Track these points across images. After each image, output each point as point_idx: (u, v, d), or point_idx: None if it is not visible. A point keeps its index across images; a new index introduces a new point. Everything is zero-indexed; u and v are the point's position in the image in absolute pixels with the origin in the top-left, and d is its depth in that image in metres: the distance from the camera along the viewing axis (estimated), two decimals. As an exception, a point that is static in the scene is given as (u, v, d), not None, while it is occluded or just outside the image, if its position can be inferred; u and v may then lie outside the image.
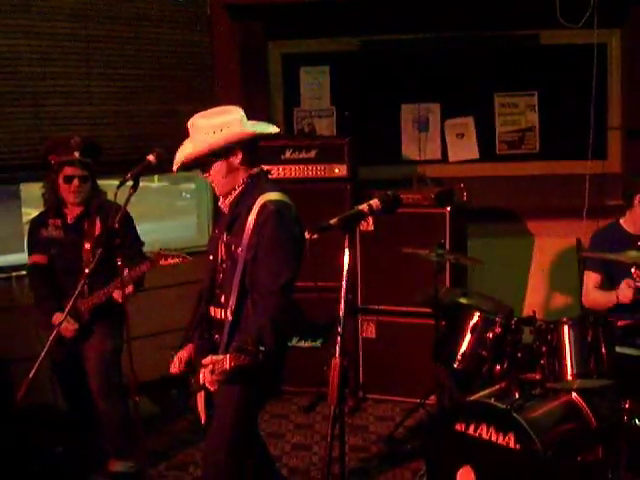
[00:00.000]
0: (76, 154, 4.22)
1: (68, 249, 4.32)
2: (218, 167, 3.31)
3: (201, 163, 3.32)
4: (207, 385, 3.21)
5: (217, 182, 3.35)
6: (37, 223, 4.47)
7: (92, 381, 4.28)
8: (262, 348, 2.97)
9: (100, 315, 4.30)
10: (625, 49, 6.20)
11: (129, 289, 4.13)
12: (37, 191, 4.55)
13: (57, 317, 4.25)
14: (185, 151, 3.33)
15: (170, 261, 4.11)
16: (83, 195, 4.31)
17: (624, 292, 4.28)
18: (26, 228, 4.60)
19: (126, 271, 4.05)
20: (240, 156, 3.32)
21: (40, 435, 4.60)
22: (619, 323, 4.16)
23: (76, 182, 4.25)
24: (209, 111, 3.36)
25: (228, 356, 3.08)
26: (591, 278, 4.62)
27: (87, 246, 4.30)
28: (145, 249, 4.50)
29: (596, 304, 4.56)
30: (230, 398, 3.27)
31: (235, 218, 3.34)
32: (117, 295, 4.16)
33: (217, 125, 3.28)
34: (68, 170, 4.24)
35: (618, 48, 6.21)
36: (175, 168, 3.36)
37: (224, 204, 3.40)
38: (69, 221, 4.38)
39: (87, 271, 3.55)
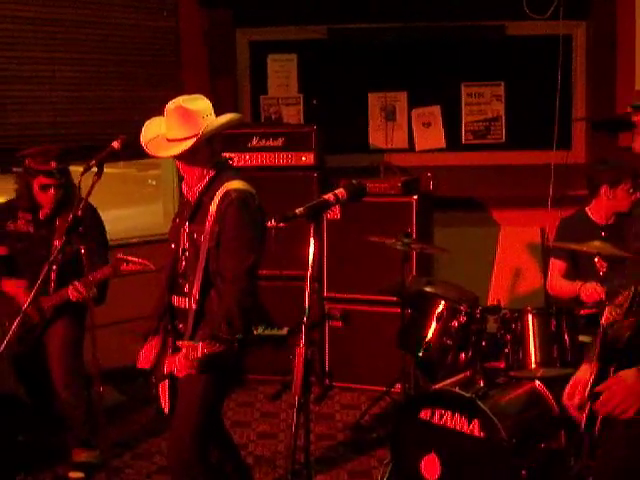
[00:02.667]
0: (53, 164, 4.15)
1: (37, 245, 4.21)
2: (203, 154, 3.26)
3: (190, 151, 3.21)
4: (176, 371, 3.20)
5: (195, 170, 3.28)
6: (4, 213, 4.38)
7: (54, 370, 4.23)
8: (238, 336, 2.97)
9: (64, 307, 4.23)
10: (590, 41, 6.25)
11: (92, 291, 4.05)
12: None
13: (5, 282, 4.24)
14: (174, 135, 3.21)
15: (132, 267, 4.02)
16: (57, 200, 4.24)
17: (589, 293, 4.31)
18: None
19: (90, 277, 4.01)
20: (216, 143, 3.31)
21: (2, 425, 4.55)
22: (582, 312, 4.20)
23: (52, 191, 4.19)
24: (188, 96, 3.29)
25: (201, 344, 3.07)
26: (556, 266, 4.66)
27: (57, 243, 4.16)
28: (111, 237, 4.47)
29: (559, 293, 4.61)
30: (195, 387, 3.25)
31: (199, 206, 3.32)
32: (72, 294, 4.10)
33: (207, 109, 3.26)
34: (44, 180, 4.17)
35: (583, 40, 6.27)
36: (173, 154, 3.23)
37: (192, 192, 3.35)
38: (41, 217, 4.30)
39: (51, 258, 3.49)
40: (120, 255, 4.06)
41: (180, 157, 3.25)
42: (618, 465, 2.63)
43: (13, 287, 4.20)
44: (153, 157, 3.46)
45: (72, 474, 4.28)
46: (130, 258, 4.02)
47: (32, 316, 4.22)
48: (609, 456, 2.69)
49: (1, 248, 4.38)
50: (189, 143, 3.17)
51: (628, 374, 2.43)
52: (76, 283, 4.07)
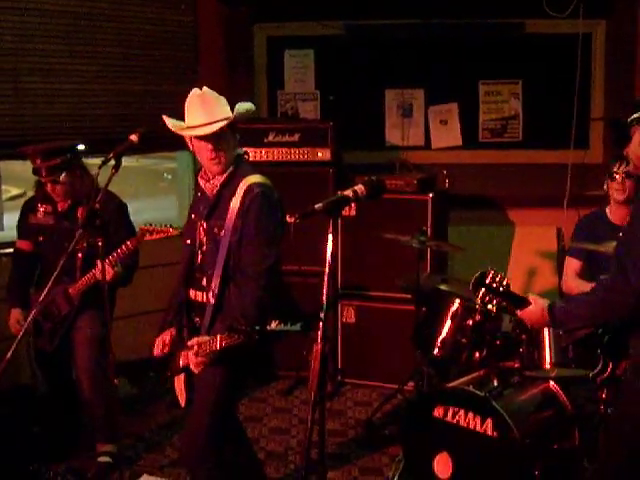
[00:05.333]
0: (37, 161, 4.12)
1: (59, 237, 4.16)
2: (230, 142, 3.28)
3: (222, 134, 3.22)
4: (192, 367, 3.21)
5: (222, 158, 3.26)
6: (26, 208, 4.41)
7: (79, 367, 4.22)
8: (257, 328, 2.98)
9: (91, 300, 4.20)
10: (610, 40, 6.21)
11: (115, 270, 4.06)
12: (17, 168, 4.50)
13: (14, 313, 4.29)
14: (203, 120, 3.20)
15: (155, 236, 4.00)
16: (62, 195, 4.22)
17: None
18: (6, 205, 4.55)
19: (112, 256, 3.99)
20: (237, 133, 3.31)
21: (17, 416, 4.57)
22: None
23: (49, 187, 4.19)
24: (206, 88, 3.32)
25: (219, 336, 3.08)
26: (572, 264, 4.63)
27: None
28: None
29: (572, 292, 4.59)
30: (211, 381, 3.27)
31: (218, 200, 3.32)
32: (98, 274, 4.07)
33: (224, 99, 3.29)
34: (39, 177, 4.19)
35: (603, 39, 6.21)
36: (216, 129, 3.19)
37: (210, 185, 3.34)
38: (59, 209, 4.29)
39: (69, 250, 3.49)
40: (141, 227, 4.05)
41: (211, 139, 3.22)
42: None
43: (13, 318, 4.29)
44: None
45: (100, 458, 4.30)
46: (153, 228, 3.99)
47: (61, 308, 4.24)
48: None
49: (26, 243, 4.41)
50: (223, 123, 3.18)
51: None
52: (98, 264, 4.04)
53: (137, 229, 4.12)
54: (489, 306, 3.23)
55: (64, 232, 4.15)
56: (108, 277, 3.86)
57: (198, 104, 3.24)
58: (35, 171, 4.18)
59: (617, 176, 4.39)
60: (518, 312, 3.19)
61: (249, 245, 3.21)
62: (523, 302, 3.15)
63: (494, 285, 3.20)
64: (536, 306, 3.13)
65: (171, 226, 3.91)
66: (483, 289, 3.18)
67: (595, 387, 3.67)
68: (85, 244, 4.09)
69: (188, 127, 3.26)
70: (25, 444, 4.42)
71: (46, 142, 4.29)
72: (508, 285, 3.23)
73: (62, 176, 4.16)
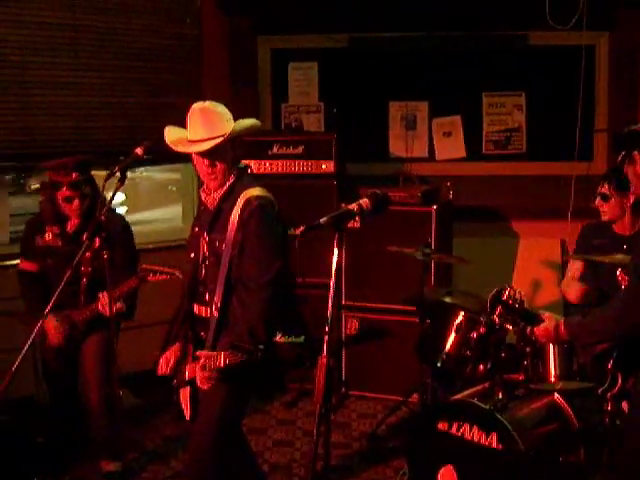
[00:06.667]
0: (74, 175, 4.08)
1: (66, 261, 3.93)
2: (227, 157, 3.28)
3: (218, 150, 3.23)
4: (198, 383, 3.20)
5: (218, 174, 3.27)
6: (32, 228, 4.30)
7: (89, 383, 4.20)
8: (261, 346, 2.98)
9: (99, 319, 4.17)
10: (613, 52, 6.23)
11: (119, 306, 4.03)
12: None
13: (49, 323, 4.14)
14: (200, 135, 3.21)
15: (159, 277, 3.98)
16: (84, 210, 4.16)
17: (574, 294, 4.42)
18: (13, 218, 4.52)
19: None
20: (237, 148, 3.32)
21: (21, 427, 4.57)
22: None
23: (77, 202, 4.12)
24: (210, 101, 3.33)
25: (223, 353, 3.07)
26: (574, 266, 4.58)
27: (87, 254, 4.05)
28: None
29: (569, 294, 4.57)
30: (217, 396, 3.25)
31: (218, 214, 3.32)
32: (103, 309, 4.03)
33: (229, 114, 3.30)
34: (67, 192, 4.10)
35: (606, 51, 6.24)
36: (208, 146, 3.19)
37: (211, 198, 3.35)
38: (69, 230, 4.22)
39: (77, 258, 3.47)
40: (145, 265, 4.04)
41: (207, 155, 3.24)
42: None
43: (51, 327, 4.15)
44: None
45: None
46: (156, 267, 3.98)
47: (67, 332, 4.20)
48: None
49: (31, 264, 4.30)
50: (218, 140, 3.19)
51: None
52: (102, 298, 4.02)
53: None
54: (507, 324, 3.23)
55: (70, 256, 3.90)
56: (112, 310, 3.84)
57: (198, 118, 3.24)
58: (55, 186, 4.11)
59: (597, 199, 4.39)
60: (534, 329, 3.20)
61: (250, 258, 3.21)
62: (536, 319, 3.15)
63: (510, 302, 3.21)
64: (550, 322, 3.16)
65: (175, 267, 3.90)
66: (500, 307, 3.18)
67: (600, 400, 3.66)
68: (90, 268, 4.08)
69: (187, 142, 3.27)
70: (29, 455, 4.42)
71: (64, 156, 4.20)
72: (523, 302, 3.24)
73: (87, 189, 4.15)
